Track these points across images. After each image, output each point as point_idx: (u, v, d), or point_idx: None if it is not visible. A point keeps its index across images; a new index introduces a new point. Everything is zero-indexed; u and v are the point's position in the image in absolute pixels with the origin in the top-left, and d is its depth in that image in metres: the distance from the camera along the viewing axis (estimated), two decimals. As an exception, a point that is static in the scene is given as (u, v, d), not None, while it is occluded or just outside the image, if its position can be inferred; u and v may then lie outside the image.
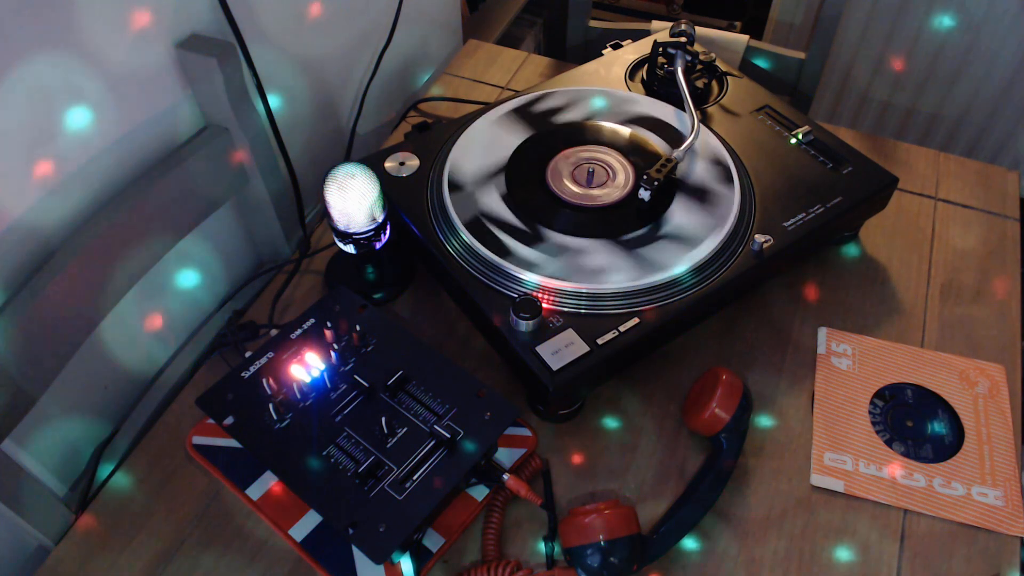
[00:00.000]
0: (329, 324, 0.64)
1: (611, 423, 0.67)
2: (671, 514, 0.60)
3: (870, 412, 0.68)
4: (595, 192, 0.72)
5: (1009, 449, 0.65)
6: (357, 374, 0.62)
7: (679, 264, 0.66)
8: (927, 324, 0.75)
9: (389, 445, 0.58)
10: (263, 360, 0.63)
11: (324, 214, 0.70)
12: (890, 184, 0.75)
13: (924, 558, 0.60)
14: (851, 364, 0.71)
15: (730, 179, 0.72)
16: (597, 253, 0.67)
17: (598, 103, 0.81)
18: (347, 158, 0.91)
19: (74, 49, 0.55)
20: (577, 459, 0.65)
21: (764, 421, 0.67)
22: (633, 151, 0.76)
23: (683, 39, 0.84)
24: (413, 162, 0.75)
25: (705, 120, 0.80)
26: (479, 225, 0.69)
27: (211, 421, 0.63)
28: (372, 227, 0.67)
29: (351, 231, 0.67)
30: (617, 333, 0.62)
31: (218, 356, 0.71)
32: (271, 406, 0.59)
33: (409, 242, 0.73)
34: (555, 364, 0.60)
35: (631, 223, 0.70)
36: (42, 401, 0.57)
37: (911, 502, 0.62)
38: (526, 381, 0.65)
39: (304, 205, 0.80)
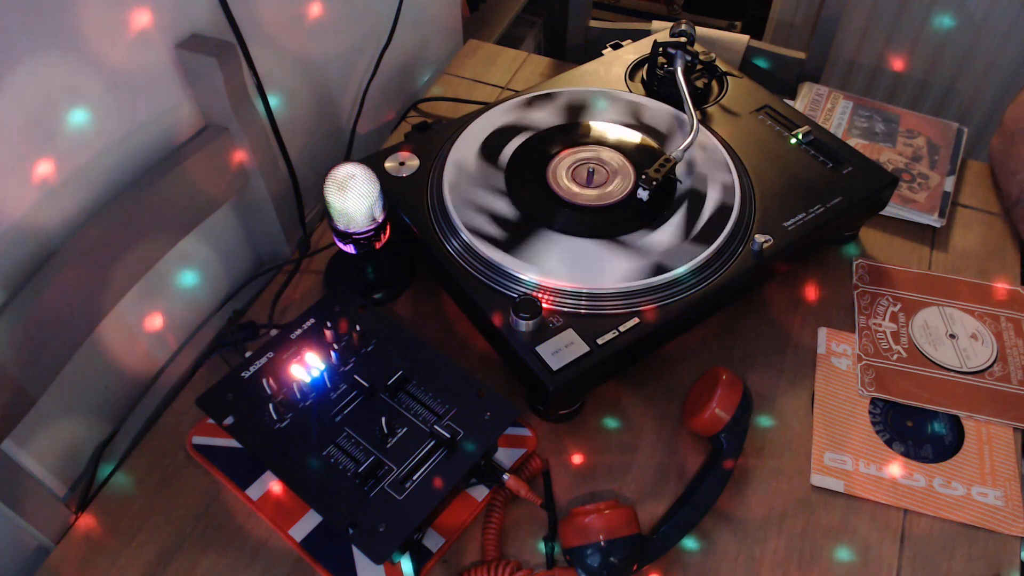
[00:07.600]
0: (329, 324, 0.64)
1: (611, 423, 0.67)
2: (671, 514, 0.60)
3: (870, 412, 0.68)
4: (594, 192, 0.72)
5: (1009, 449, 0.65)
6: (357, 374, 0.62)
7: (679, 264, 0.66)
8: (927, 324, 0.75)
9: (389, 445, 0.58)
10: (263, 360, 0.63)
11: (324, 214, 0.70)
12: (890, 184, 0.75)
13: (924, 558, 0.60)
14: (851, 364, 0.71)
15: (730, 179, 0.72)
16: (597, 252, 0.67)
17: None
18: (347, 158, 0.91)
19: (74, 49, 0.55)
20: (577, 459, 0.65)
21: (764, 421, 0.67)
22: (633, 151, 0.76)
23: (683, 39, 0.84)
24: (413, 162, 0.75)
25: (705, 120, 0.80)
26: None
27: (211, 421, 0.63)
28: (372, 227, 0.67)
29: (351, 231, 0.67)
30: (617, 333, 0.62)
31: (218, 356, 0.71)
32: (271, 406, 0.59)
33: (409, 242, 0.73)
34: (555, 364, 0.60)
35: (630, 223, 0.70)
36: (42, 401, 0.57)
37: (911, 502, 0.62)
38: (526, 381, 0.65)
39: (304, 205, 0.80)
